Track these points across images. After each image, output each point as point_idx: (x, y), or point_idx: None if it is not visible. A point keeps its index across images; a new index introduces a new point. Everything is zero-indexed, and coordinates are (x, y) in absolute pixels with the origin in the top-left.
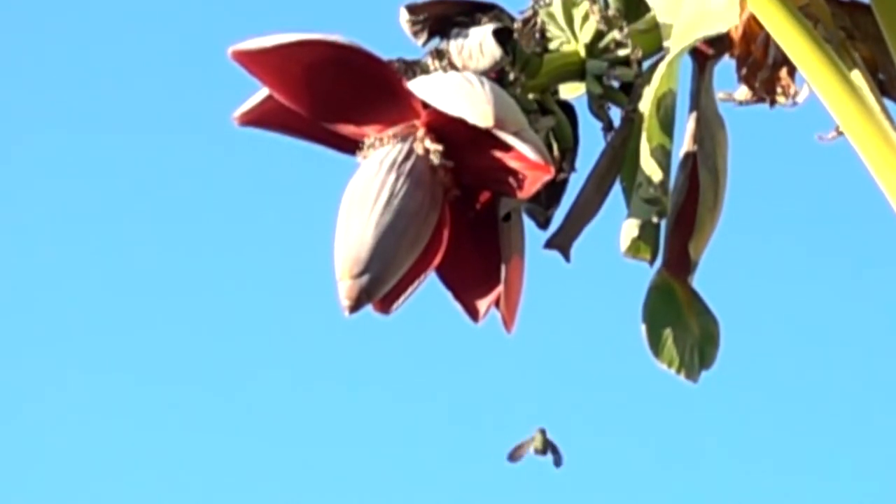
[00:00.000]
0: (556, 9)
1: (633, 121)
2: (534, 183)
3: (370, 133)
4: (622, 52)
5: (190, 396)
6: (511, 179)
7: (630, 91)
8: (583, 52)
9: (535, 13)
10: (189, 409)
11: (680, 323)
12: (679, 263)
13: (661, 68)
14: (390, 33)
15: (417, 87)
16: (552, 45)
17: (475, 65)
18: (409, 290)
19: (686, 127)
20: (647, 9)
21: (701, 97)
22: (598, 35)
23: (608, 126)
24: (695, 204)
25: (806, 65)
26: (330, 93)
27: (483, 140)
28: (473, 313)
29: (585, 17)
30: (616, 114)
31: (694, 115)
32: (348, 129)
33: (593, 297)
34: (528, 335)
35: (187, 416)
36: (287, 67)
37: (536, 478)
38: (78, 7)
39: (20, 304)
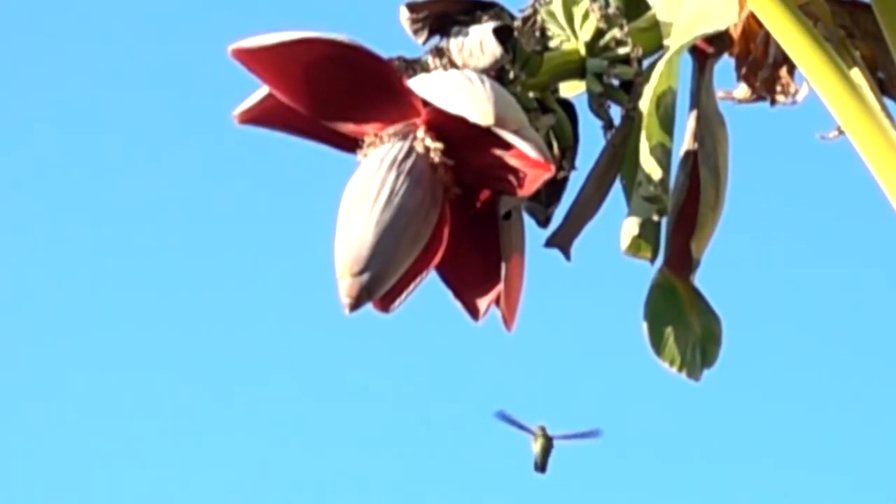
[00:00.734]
0: (557, 7)
1: (633, 119)
2: (534, 181)
3: (370, 131)
4: (622, 51)
5: (190, 396)
6: (511, 177)
7: (630, 89)
8: (583, 51)
9: (536, 11)
10: (189, 409)
11: (682, 321)
12: (681, 262)
13: (661, 66)
14: (390, 31)
15: (418, 85)
16: (552, 44)
17: (475, 63)
18: (410, 288)
19: (686, 125)
20: (647, 7)
21: (701, 95)
22: (599, 33)
23: (608, 124)
24: (696, 202)
25: (806, 63)
26: (330, 91)
27: (483, 138)
28: (474, 312)
29: (586, 16)
30: (616, 112)
31: (694, 113)
32: (348, 128)
33: (594, 296)
34: (528, 334)
35: (187, 415)
36: (287, 65)
37: (536, 478)
38: (78, 6)
39: (21, 303)
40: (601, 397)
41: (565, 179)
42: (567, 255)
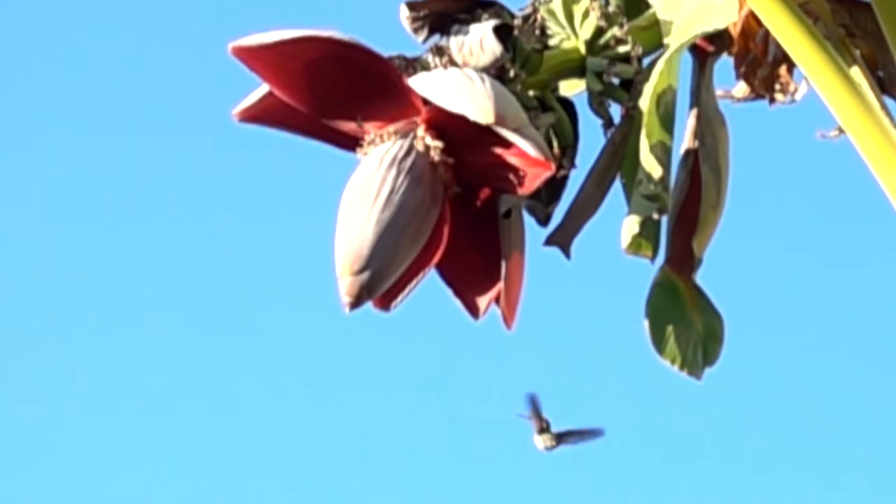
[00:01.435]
0: (557, 5)
1: (633, 117)
2: (534, 180)
3: (370, 130)
4: (622, 49)
5: (190, 395)
6: (511, 176)
7: (630, 88)
8: (583, 49)
9: (536, 10)
10: (189, 408)
11: (683, 320)
12: (682, 260)
13: (662, 65)
14: (390, 30)
15: (418, 83)
16: (552, 42)
17: (475, 61)
18: (410, 287)
19: (686, 124)
20: (647, 5)
21: (701, 94)
22: (599, 32)
23: (608, 123)
24: (697, 201)
25: (805, 62)
26: (330, 89)
27: (483, 137)
28: (473, 310)
29: (586, 14)
30: (616, 110)
31: (694, 111)
32: (348, 126)
33: (594, 295)
34: (528, 333)
35: (187, 414)
36: (287, 64)
37: (537, 477)
38: (78, 6)
39: (21, 303)
40: (602, 396)
41: (565, 178)
42: (567, 254)
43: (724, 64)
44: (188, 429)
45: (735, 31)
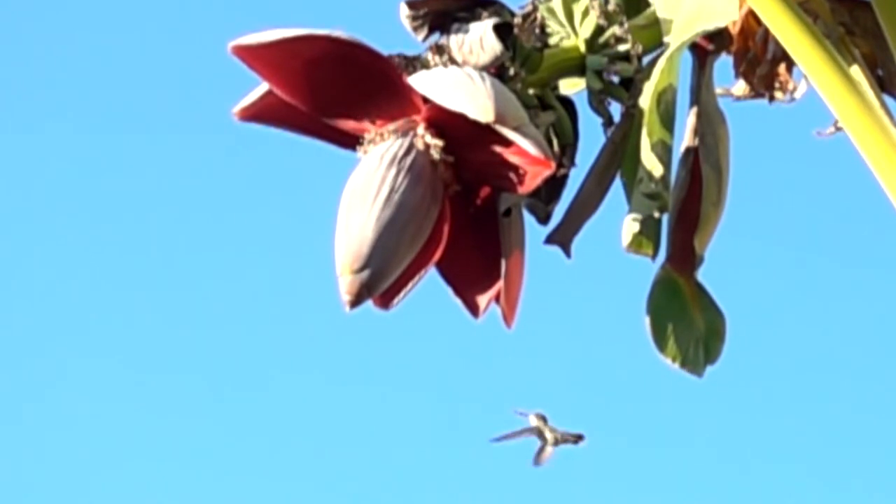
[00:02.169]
0: (557, 4)
1: (633, 116)
2: (534, 178)
3: (370, 128)
4: (622, 48)
5: (190, 394)
6: (511, 174)
7: (630, 86)
8: (583, 48)
9: (536, 8)
10: (189, 407)
11: (684, 318)
12: (683, 258)
13: (662, 63)
14: (390, 29)
15: (418, 82)
16: (552, 41)
17: (475, 60)
18: (410, 285)
19: (687, 122)
20: (646, 4)
21: (701, 92)
22: (598, 30)
23: (608, 121)
24: (697, 199)
25: (805, 61)
26: (330, 88)
27: (483, 135)
28: (473, 309)
29: (585, 13)
30: (616, 109)
31: (694, 110)
32: (348, 125)
33: (595, 293)
34: (528, 331)
35: (187, 414)
36: (287, 62)
37: (536, 476)
38: (78, 5)
39: (22, 302)
40: (602, 395)
41: (565, 176)
42: (567, 253)
43: (724, 62)
44: (188, 429)
45: (735, 30)
